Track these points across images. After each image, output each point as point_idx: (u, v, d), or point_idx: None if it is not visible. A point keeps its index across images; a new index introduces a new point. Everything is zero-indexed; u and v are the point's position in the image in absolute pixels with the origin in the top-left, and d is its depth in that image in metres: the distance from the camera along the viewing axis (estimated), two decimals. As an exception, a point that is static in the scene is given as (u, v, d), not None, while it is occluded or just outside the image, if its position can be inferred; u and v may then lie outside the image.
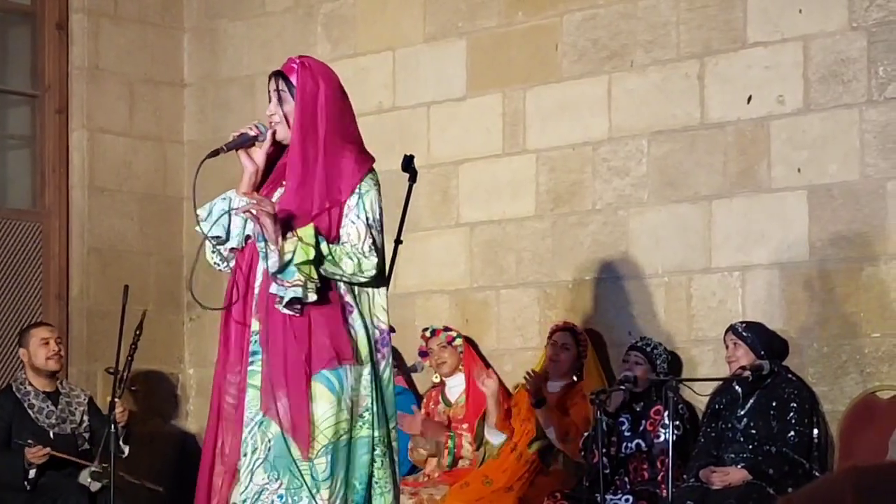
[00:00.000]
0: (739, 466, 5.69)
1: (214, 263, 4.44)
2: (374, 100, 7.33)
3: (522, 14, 6.91)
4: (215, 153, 4.35)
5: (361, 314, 4.30)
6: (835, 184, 6.06)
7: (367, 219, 4.29)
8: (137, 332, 6.28)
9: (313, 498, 4.20)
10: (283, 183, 4.34)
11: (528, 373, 6.20)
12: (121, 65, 7.79)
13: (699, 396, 6.03)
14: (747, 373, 5.72)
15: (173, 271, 7.91)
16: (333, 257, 4.21)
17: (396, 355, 6.68)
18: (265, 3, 7.80)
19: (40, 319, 7.49)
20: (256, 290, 4.29)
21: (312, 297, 4.20)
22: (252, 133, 4.37)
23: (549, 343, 6.39)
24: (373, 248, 4.27)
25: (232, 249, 4.38)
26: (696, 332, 6.36)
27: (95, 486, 6.36)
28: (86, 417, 6.62)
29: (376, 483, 4.31)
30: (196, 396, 7.94)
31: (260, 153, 4.38)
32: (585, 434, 6.05)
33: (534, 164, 6.84)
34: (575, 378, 6.39)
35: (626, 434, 6.08)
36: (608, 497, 5.80)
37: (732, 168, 6.32)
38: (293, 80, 4.32)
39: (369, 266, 4.26)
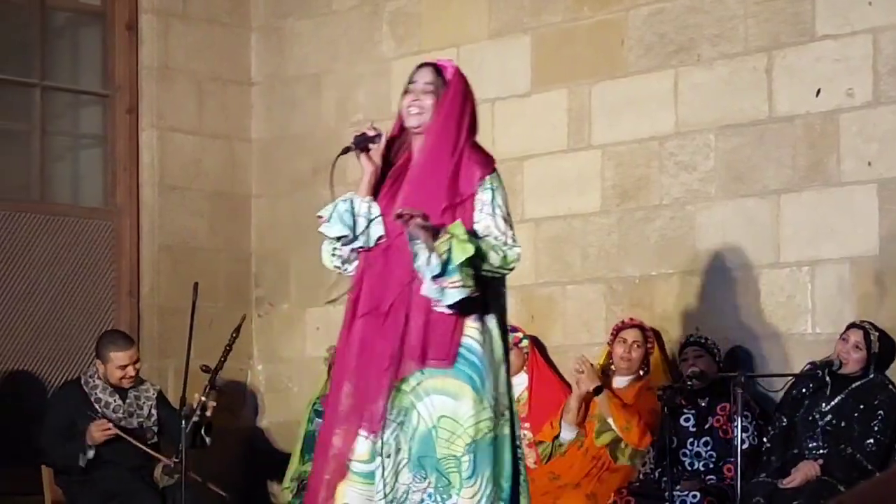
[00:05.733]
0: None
1: (334, 266, 4.44)
2: (440, 96, 7.33)
3: (588, 9, 6.88)
4: (346, 151, 4.39)
5: (498, 314, 4.31)
6: (905, 177, 5.98)
7: (503, 212, 4.30)
8: (234, 335, 6.28)
9: (458, 495, 4.17)
10: (406, 180, 4.34)
11: (580, 360, 6.20)
12: (189, 64, 7.85)
13: (770, 393, 5.98)
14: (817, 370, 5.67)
15: (242, 268, 7.96)
16: (482, 250, 4.19)
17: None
18: (331, 1, 7.83)
19: (113, 318, 7.56)
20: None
21: (474, 291, 4.14)
22: (371, 134, 4.39)
23: (618, 340, 6.36)
24: (515, 239, 4.29)
25: (354, 250, 4.38)
26: (764, 328, 6.30)
27: (165, 482, 6.41)
28: (154, 411, 6.63)
29: (522, 482, 4.31)
30: (265, 392, 7.98)
31: (377, 154, 4.39)
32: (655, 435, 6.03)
33: (599, 160, 6.81)
34: (641, 373, 6.37)
35: (692, 430, 6.04)
36: (675, 493, 5.76)
37: (801, 162, 6.25)
38: (447, 78, 4.35)
39: (514, 256, 4.26)
